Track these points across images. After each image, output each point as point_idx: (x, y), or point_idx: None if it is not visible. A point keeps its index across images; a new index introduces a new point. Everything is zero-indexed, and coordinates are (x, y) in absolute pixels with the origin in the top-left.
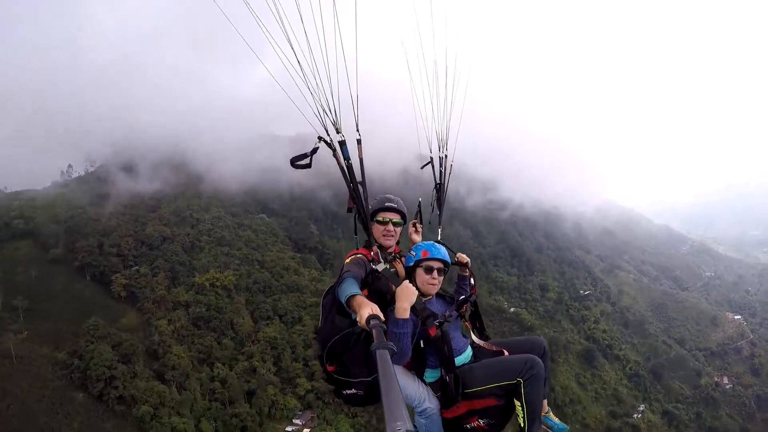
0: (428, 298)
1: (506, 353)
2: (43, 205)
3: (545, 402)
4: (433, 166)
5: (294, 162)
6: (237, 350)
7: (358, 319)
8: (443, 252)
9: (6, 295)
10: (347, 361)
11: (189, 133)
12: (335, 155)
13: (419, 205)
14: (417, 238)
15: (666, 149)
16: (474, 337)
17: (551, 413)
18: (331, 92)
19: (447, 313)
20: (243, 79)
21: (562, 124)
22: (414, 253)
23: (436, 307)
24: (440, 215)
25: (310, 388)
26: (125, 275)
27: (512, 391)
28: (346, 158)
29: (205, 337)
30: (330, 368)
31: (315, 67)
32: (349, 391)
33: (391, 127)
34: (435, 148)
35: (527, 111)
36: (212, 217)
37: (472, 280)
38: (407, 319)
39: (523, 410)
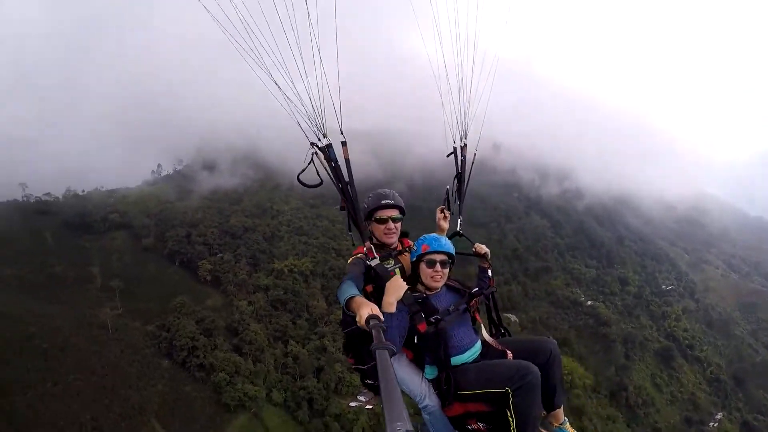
0: (435, 292)
1: (509, 354)
2: (135, 200)
3: (560, 411)
4: (456, 156)
5: (301, 181)
6: (310, 330)
7: (357, 320)
8: (445, 244)
9: (104, 277)
10: (363, 354)
11: (265, 132)
12: (325, 158)
13: (447, 192)
14: (445, 225)
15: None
16: (484, 334)
17: (567, 424)
18: (320, 99)
19: (451, 308)
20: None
21: (649, 106)
22: (416, 248)
23: (444, 300)
24: (460, 205)
25: None
26: (210, 261)
27: (502, 399)
28: (333, 160)
29: (281, 317)
30: (350, 360)
31: (304, 74)
32: (369, 381)
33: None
34: (457, 137)
35: (607, 94)
36: (292, 209)
37: (489, 272)
38: (392, 313)
39: (512, 421)
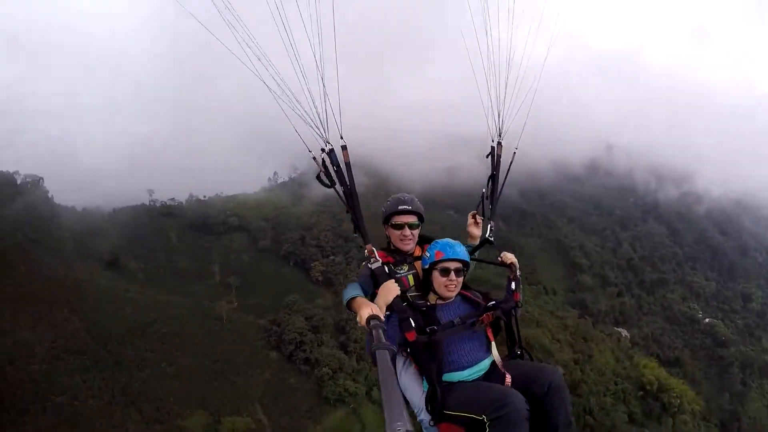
0: (447, 301)
1: (508, 379)
2: (252, 205)
3: None
4: (493, 156)
5: (321, 180)
6: None
7: (358, 320)
8: (460, 251)
9: (222, 274)
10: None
11: (374, 138)
12: (331, 161)
13: (482, 196)
14: (476, 231)
15: None
16: (494, 353)
17: None
18: (323, 105)
19: (456, 320)
20: (414, 85)
21: None
22: (428, 254)
23: (455, 311)
24: (492, 209)
25: None
26: (323, 263)
27: (480, 427)
28: (336, 164)
29: None
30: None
31: (305, 81)
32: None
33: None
34: (495, 134)
35: (729, 87)
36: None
37: (513, 284)
38: (386, 316)
39: None
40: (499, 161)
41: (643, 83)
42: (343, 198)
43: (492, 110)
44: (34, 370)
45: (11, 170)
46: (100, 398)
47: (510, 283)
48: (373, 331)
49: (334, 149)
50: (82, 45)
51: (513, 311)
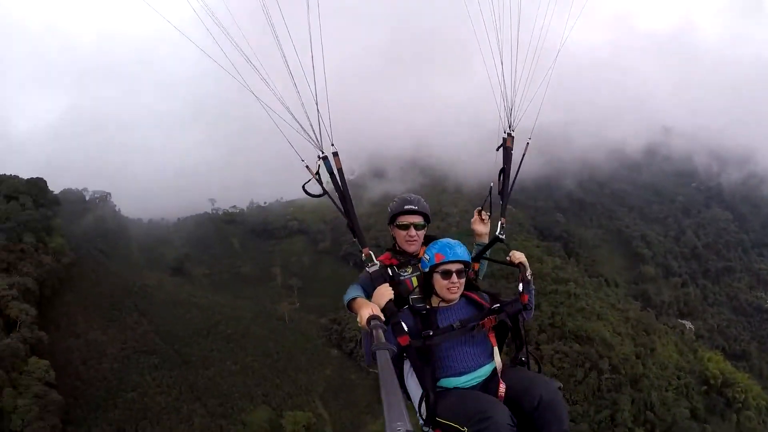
0: (449, 304)
1: (501, 388)
2: (312, 209)
3: None
4: (505, 148)
5: (307, 191)
6: None
7: (358, 320)
8: (460, 252)
9: (284, 277)
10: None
11: (430, 138)
12: (327, 169)
13: (489, 191)
14: (481, 228)
15: None
16: (496, 359)
17: None
18: (317, 113)
19: (456, 324)
20: (461, 84)
21: None
22: (428, 257)
23: (458, 314)
24: (503, 205)
25: (536, 370)
26: None
27: None
28: (330, 172)
29: None
30: None
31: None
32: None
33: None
34: (505, 124)
35: None
36: (460, 211)
37: (520, 286)
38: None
39: None
40: (510, 155)
41: (697, 61)
42: (338, 204)
43: (503, 99)
44: (106, 368)
45: (80, 188)
46: (168, 394)
47: (519, 283)
48: (373, 331)
49: (328, 156)
50: (146, 65)
51: (520, 315)
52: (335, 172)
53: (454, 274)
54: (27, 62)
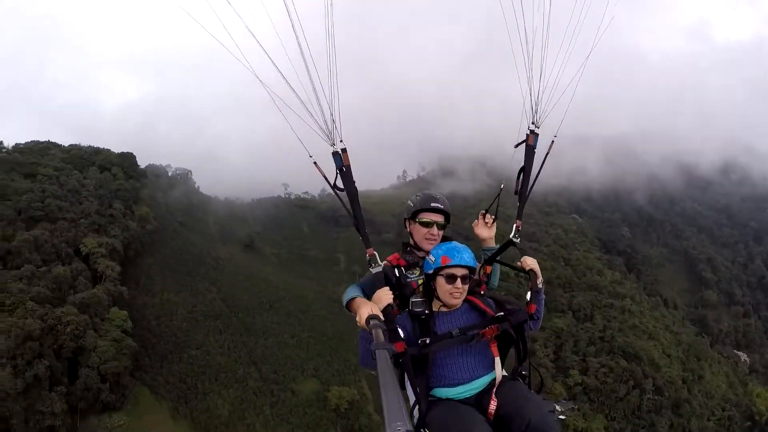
0: (451, 309)
1: (492, 405)
2: (379, 201)
3: None
4: (526, 146)
5: (337, 187)
6: None
7: (357, 320)
8: (467, 257)
9: (347, 263)
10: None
11: (498, 141)
12: (336, 166)
13: (499, 193)
14: (485, 233)
15: None
16: (497, 371)
17: None
18: (330, 107)
19: (455, 331)
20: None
21: None
22: (433, 259)
23: (459, 320)
24: (520, 207)
25: (579, 381)
26: None
27: None
28: (339, 167)
29: None
30: None
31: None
32: None
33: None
34: (530, 118)
35: None
36: (525, 215)
37: (528, 294)
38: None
39: None
40: (532, 153)
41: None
42: (345, 202)
43: (529, 90)
44: (176, 326)
45: (164, 164)
46: (227, 356)
47: (527, 291)
48: (373, 331)
49: (338, 152)
50: (225, 55)
51: (525, 325)
52: (339, 178)
53: (459, 280)
54: (117, 48)
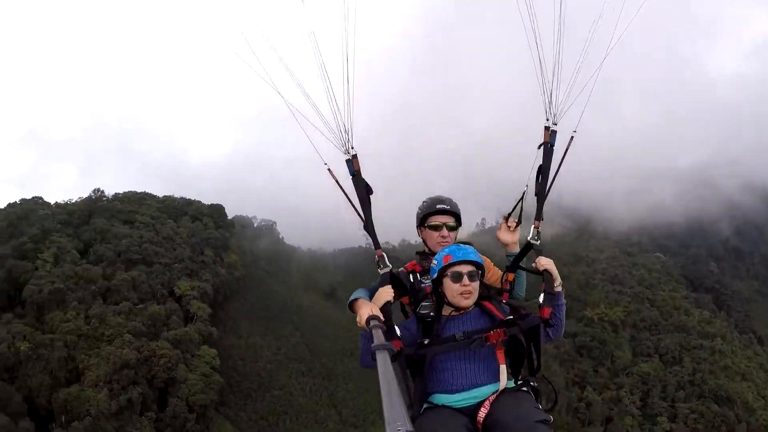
0: (461, 313)
1: (481, 414)
2: None
3: None
4: (543, 144)
5: (367, 185)
6: (610, 380)
7: (357, 320)
8: (471, 252)
9: None
10: None
11: (574, 183)
12: (350, 171)
13: (522, 197)
14: (508, 237)
15: None
16: (502, 380)
17: None
18: (344, 118)
19: (458, 335)
20: (605, 125)
21: None
22: (436, 261)
23: (467, 324)
24: (539, 208)
25: (668, 429)
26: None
27: None
28: (351, 173)
29: (583, 363)
30: None
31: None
32: None
33: None
34: (550, 115)
35: None
36: (606, 257)
37: (541, 297)
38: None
39: None
40: (549, 151)
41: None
42: (356, 205)
43: (542, 83)
44: (260, 367)
45: (251, 215)
46: (309, 398)
47: (541, 293)
48: (373, 331)
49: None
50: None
51: (541, 332)
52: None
53: (465, 276)
54: (203, 104)
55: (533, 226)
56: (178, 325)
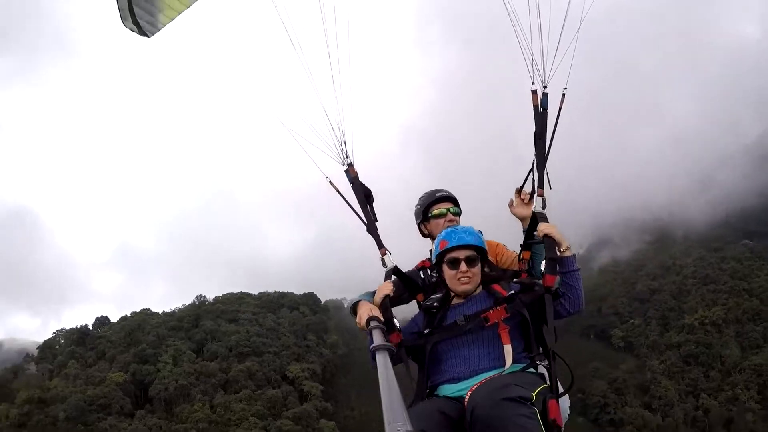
0: (466, 299)
1: (466, 399)
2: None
3: None
4: (534, 108)
5: (365, 201)
6: (722, 381)
7: (357, 321)
8: (468, 236)
9: None
10: None
11: (638, 194)
12: (349, 179)
13: (532, 167)
14: (524, 211)
15: None
16: (507, 362)
17: None
18: (340, 131)
19: (459, 320)
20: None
21: None
22: (433, 247)
23: (471, 308)
24: (539, 176)
25: None
26: (622, 329)
27: None
28: (350, 180)
29: (692, 371)
30: None
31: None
32: None
33: None
34: (536, 77)
35: None
36: (694, 260)
37: (543, 264)
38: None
39: None
40: (541, 115)
41: None
42: (357, 210)
43: (529, 41)
44: None
45: (340, 297)
46: None
47: (546, 259)
48: (373, 332)
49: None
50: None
51: (536, 302)
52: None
53: (463, 262)
54: (278, 202)
55: (536, 195)
56: (295, 404)
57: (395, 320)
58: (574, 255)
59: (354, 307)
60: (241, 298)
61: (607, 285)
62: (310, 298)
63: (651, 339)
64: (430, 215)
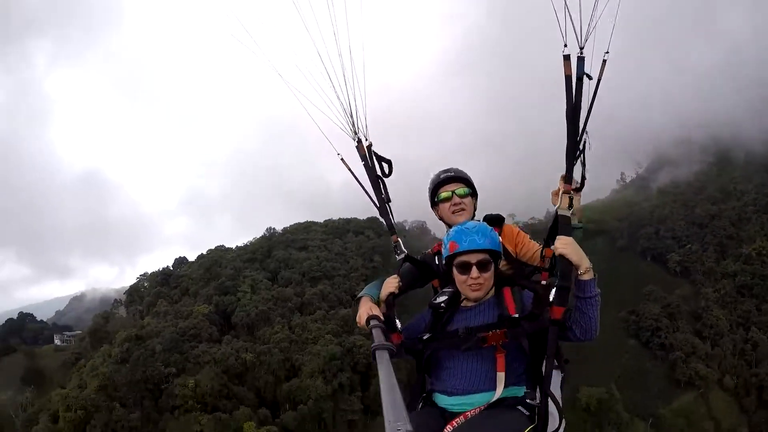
0: (475, 304)
1: (446, 430)
2: (606, 209)
3: None
4: (566, 78)
5: (377, 180)
6: None
7: (357, 319)
8: (480, 239)
9: None
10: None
11: (704, 114)
12: (363, 154)
13: (584, 146)
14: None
15: None
16: (498, 389)
17: None
18: (355, 97)
19: (461, 331)
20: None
21: None
22: (444, 247)
23: (475, 318)
24: (570, 164)
25: None
26: (679, 253)
27: None
28: (361, 156)
29: (746, 303)
30: None
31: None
32: None
33: None
34: (572, 41)
35: None
36: (756, 186)
37: (552, 292)
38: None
39: None
40: (578, 86)
41: None
42: (369, 190)
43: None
44: None
45: (402, 220)
46: None
47: (561, 289)
48: (373, 331)
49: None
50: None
51: (550, 336)
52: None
53: (474, 268)
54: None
55: (562, 191)
56: None
57: (397, 321)
58: (595, 277)
59: (357, 303)
60: (308, 227)
61: (666, 207)
62: (374, 222)
63: (707, 266)
64: (437, 199)
